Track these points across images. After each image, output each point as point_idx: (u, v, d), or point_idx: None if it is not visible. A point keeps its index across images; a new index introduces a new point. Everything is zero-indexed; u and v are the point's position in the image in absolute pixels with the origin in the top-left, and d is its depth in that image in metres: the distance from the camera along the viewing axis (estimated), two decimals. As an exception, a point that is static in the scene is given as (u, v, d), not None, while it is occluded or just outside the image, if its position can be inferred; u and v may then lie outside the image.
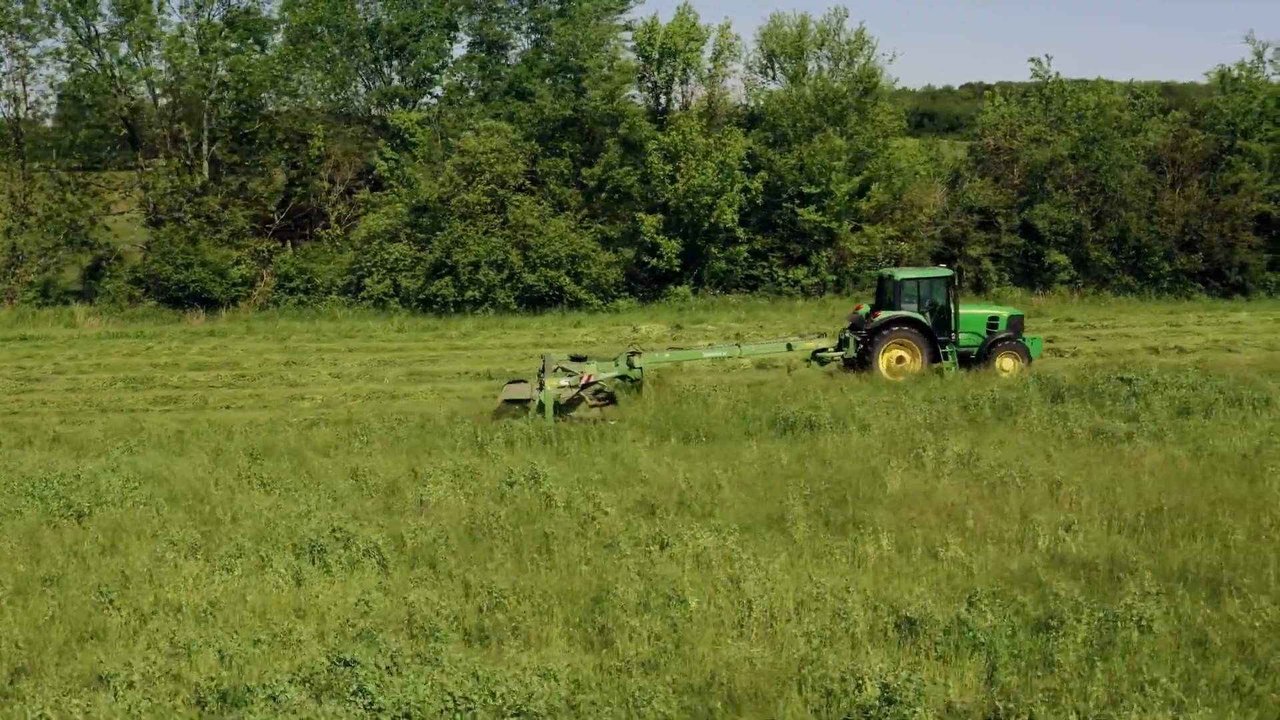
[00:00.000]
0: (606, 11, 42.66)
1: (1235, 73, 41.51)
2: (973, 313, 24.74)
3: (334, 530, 12.62)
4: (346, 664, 9.12)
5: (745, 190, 38.07)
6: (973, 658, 9.31)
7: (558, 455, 16.82)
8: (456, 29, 45.15)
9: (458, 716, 8.12)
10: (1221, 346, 28.29)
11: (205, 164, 41.12)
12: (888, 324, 23.55)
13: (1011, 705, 8.33)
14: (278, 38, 42.73)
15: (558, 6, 43.50)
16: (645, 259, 38.28)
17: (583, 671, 9.19)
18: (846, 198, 38.72)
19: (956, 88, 73.19)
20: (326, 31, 43.35)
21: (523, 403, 20.13)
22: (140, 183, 41.30)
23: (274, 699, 8.52)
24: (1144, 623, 9.90)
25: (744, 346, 24.75)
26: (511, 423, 18.60)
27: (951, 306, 24.02)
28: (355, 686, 8.58)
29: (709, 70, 39.55)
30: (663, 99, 39.68)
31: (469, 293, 37.29)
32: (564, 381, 20.47)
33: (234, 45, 41.65)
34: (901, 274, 24.92)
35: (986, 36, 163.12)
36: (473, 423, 18.80)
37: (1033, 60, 44.89)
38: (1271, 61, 42.18)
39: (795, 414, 18.48)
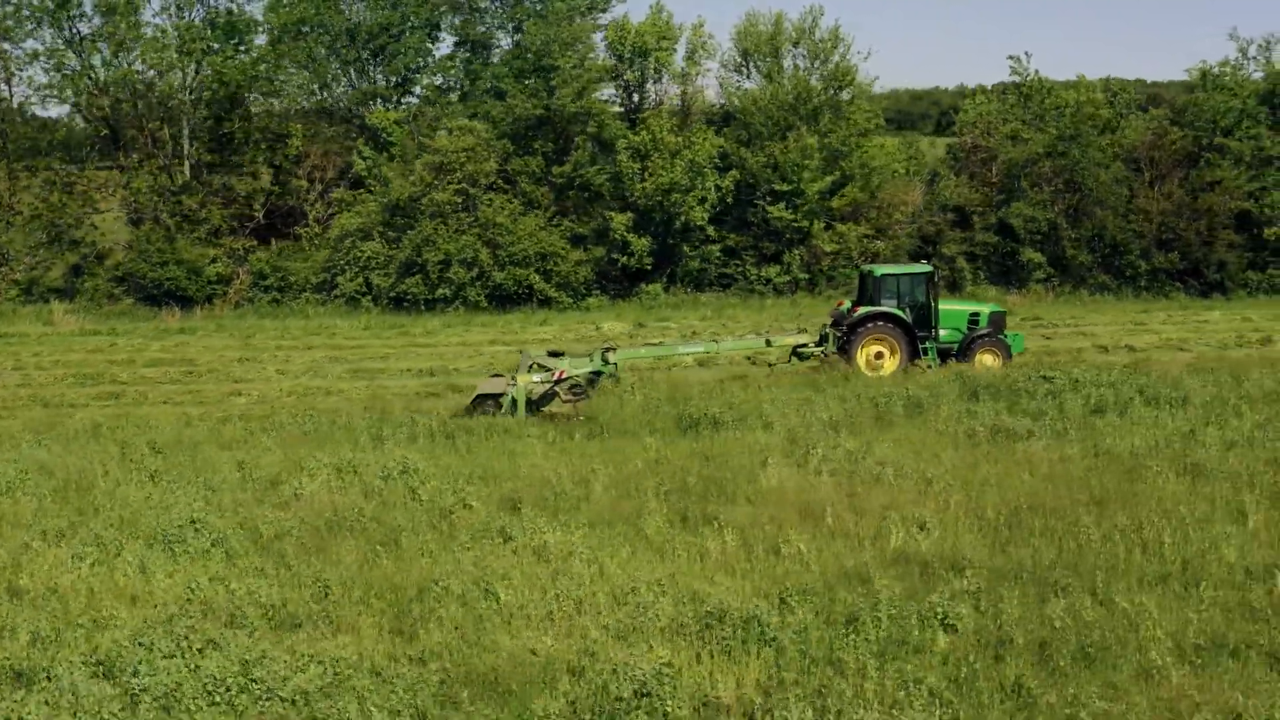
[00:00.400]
0: (589, 10, 42.78)
1: (1215, 69, 41.04)
2: (953, 309, 24.82)
3: (192, 521, 12.78)
4: (145, 647, 9.28)
5: (717, 188, 38.05)
6: (761, 654, 9.30)
7: (454, 450, 16.92)
8: (439, 29, 45.43)
9: (215, 698, 8.23)
10: (1174, 345, 28.03)
11: (186, 164, 41.60)
12: (866, 319, 23.64)
13: (767, 702, 8.31)
14: (260, 38, 43.04)
15: (539, 6, 43.64)
16: (616, 257, 38.35)
17: (374, 659, 9.29)
18: (818, 196, 38.61)
19: (950, 88, 72.61)
20: (309, 30, 43.77)
21: (495, 398, 20.22)
22: (122, 182, 41.78)
23: (49, 679, 8.68)
24: (949, 621, 9.85)
25: (722, 343, 24.78)
26: (415, 418, 18.71)
27: (931, 303, 24.06)
28: (132, 669, 8.72)
29: (682, 69, 39.59)
30: (635, 97, 39.71)
31: (439, 291, 37.51)
32: (536, 378, 20.61)
33: (214, 45, 42.05)
34: (881, 270, 25.07)
35: (982, 36, 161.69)
36: (380, 418, 18.92)
37: (1011, 58, 44.50)
38: (1255, 59, 41.69)
39: (702, 411, 18.47)
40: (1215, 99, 40.40)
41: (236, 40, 42.94)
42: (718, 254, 39.06)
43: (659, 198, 37.35)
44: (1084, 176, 39.35)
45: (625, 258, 38.19)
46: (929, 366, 23.17)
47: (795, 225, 38.57)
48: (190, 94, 41.33)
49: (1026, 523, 12.69)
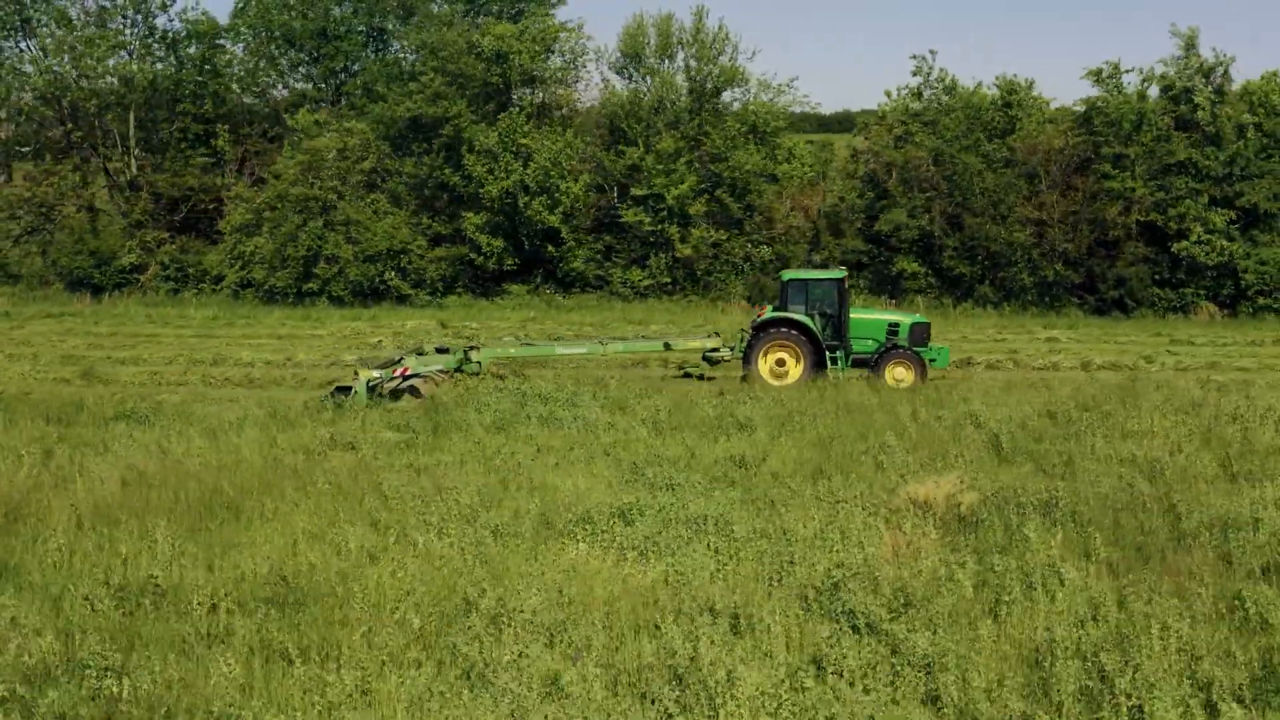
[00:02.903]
0: (544, 12, 43.19)
1: (1108, 71, 37.59)
2: (871, 318, 23.90)
3: None
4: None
5: (568, 192, 37.91)
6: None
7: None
8: (383, 35, 46.90)
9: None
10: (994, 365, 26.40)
11: (132, 160, 44.68)
12: (770, 324, 22.87)
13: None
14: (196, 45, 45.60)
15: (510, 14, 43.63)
16: (471, 257, 38.85)
17: None
18: (677, 201, 37.84)
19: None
20: (249, 34, 46.28)
21: (349, 390, 20.65)
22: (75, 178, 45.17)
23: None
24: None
25: (609, 345, 24.36)
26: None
27: (843, 310, 23.10)
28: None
29: (554, 72, 39.62)
30: (506, 99, 39.91)
31: (306, 285, 39.05)
32: (376, 372, 21.19)
33: (159, 51, 45.06)
34: (789, 275, 24.41)
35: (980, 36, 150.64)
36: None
37: (915, 57, 41.99)
38: (1204, 64, 37.62)
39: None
40: (1115, 103, 37.03)
41: (188, 42, 45.67)
42: (579, 256, 38.88)
43: (508, 199, 37.58)
44: (968, 182, 36.92)
45: (479, 257, 38.60)
46: (836, 377, 22.21)
47: (651, 229, 37.97)
48: (138, 93, 44.23)
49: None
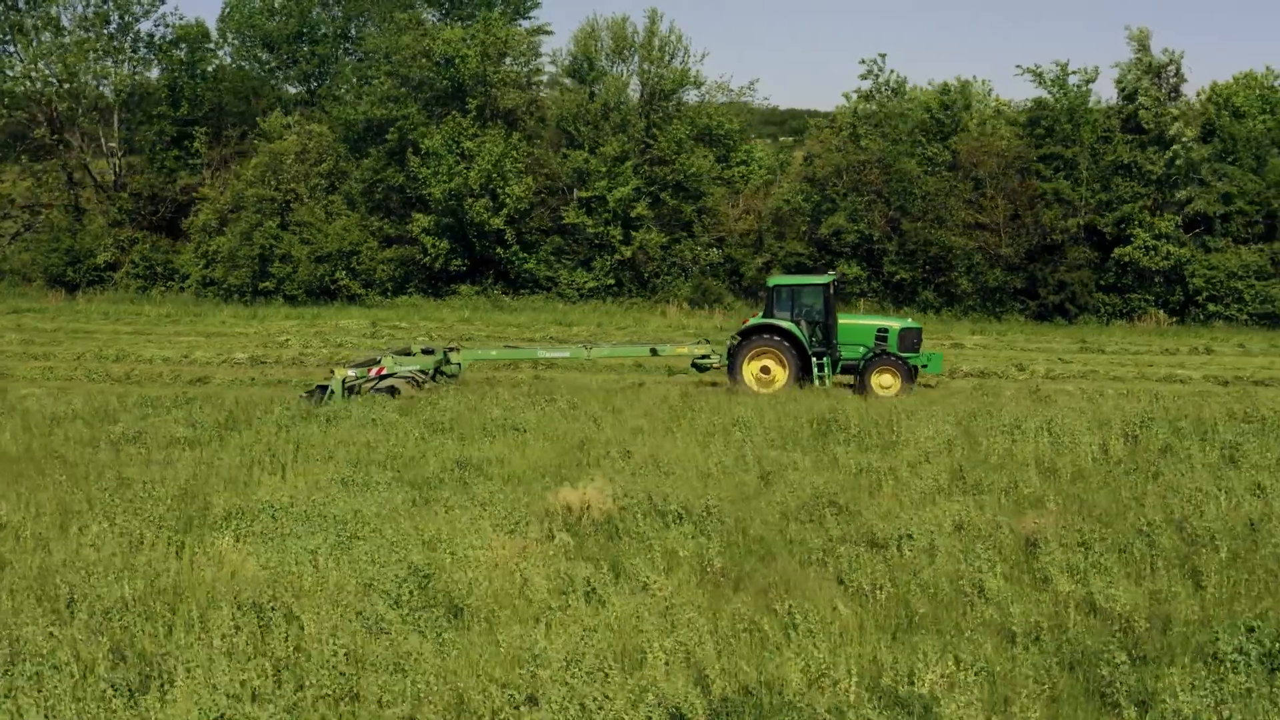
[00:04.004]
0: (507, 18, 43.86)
1: (1055, 72, 36.91)
2: (860, 323, 23.51)
3: None
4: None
5: (511, 194, 38.34)
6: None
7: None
8: (348, 38, 47.97)
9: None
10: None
11: (115, 161, 46.24)
12: (754, 330, 22.40)
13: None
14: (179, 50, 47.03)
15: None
16: (419, 258, 39.51)
17: None
18: (620, 204, 38.08)
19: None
20: (236, 39, 47.59)
21: (326, 388, 20.70)
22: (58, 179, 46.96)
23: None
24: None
25: (594, 349, 23.87)
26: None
27: (830, 316, 22.59)
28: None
29: (503, 75, 40.07)
30: (458, 103, 40.45)
31: (262, 284, 40.09)
32: (351, 372, 21.19)
33: (149, 56, 46.56)
34: (775, 280, 24.07)
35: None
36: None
37: (864, 61, 41.70)
38: (1154, 63, 36.87)
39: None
40: (1059, 103, 36.38)
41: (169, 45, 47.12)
42: (529, 258, 39.32)
43: (452, 202, 38.17)
44: (911, 186, 36.58)
45: (425, 258, 39.25)
46: (822, 383, 21.76)
47: (592, 231, 38.26)
48: (121, 95, 45.78)
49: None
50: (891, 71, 39.41)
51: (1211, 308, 35.60)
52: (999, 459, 14.33)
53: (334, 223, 39.73)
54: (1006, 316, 36.19)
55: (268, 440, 16.34)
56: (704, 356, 23.14)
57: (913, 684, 7.85)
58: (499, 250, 39.60)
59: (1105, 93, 38.40)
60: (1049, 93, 36.79)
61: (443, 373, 22.00)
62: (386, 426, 17.16)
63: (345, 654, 8.29)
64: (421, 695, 7.81)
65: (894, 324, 23.14)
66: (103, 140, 46.09)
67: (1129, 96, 37.09)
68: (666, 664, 8.19)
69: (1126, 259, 35.24)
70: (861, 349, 22.35)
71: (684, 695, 7.56)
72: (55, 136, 45.13)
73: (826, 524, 11.49)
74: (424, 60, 39.37)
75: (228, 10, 49.12)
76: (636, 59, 40.41)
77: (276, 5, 48.39)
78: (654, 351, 23.69)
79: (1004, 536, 10.89)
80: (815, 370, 21.86)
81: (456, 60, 38.54)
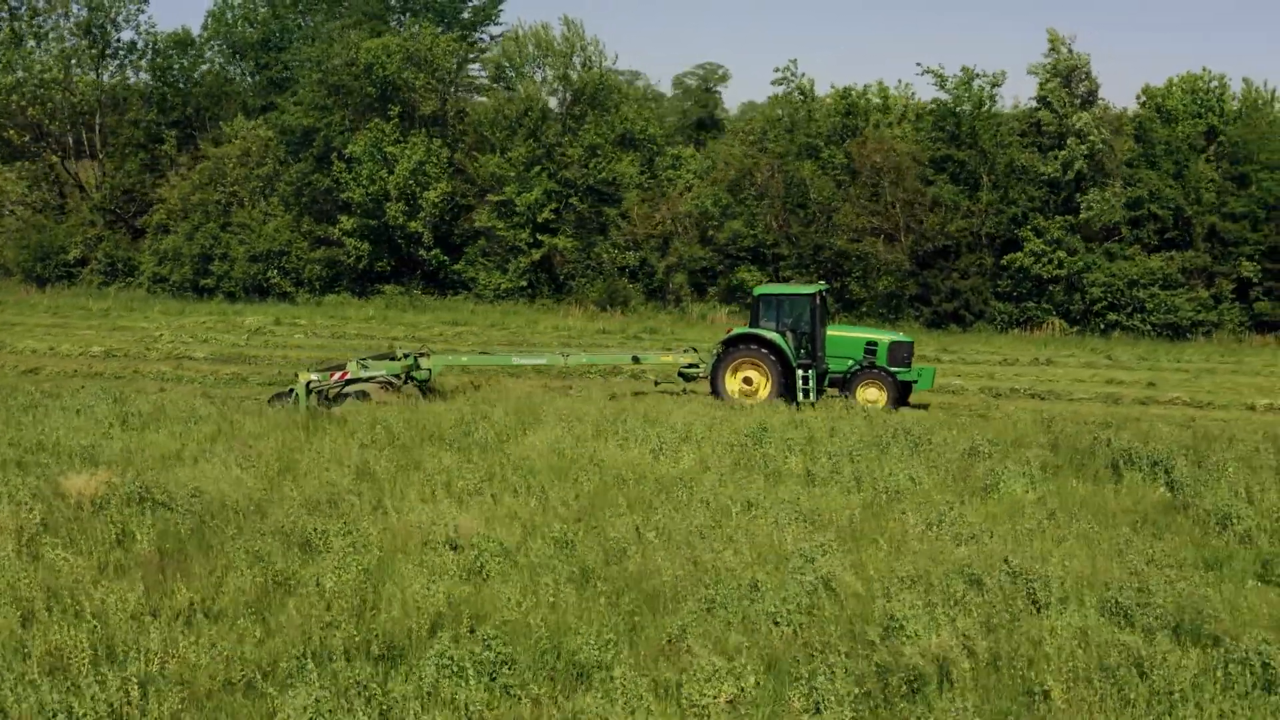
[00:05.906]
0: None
1: (961, 76, 36.50)
2: (849, 336, 22.75)
3: None
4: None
5: (426, 199, 39.60)
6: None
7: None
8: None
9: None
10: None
11: (91, 163, 49.08)
12: (737, 341, 21.82)
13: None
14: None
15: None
16: (342, 259, 41.09)
17: None
18: (529, 208, 39.02)
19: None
20: (219, 46, 50.06)
21: (290, 394, 21.08)
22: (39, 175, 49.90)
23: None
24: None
25: (572, 356, 23.39)
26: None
27: (817, 328, 21.75)
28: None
29: (426, 82, 41.36)
30: (383, 110, 41.84)
31: (204, 281, 42.21)
32: (314, 376, 21.04)
33: (123, 60, 49.32)
34: (760, 289, 23.58)
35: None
36: None
37: (777, 69, 41.75)
38: (1059, 62, 36.23)
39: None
40: (958, 106, 36.01)
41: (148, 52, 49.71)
42: (442, 260, 40.57)
43: (370, 204, 39.66)
44: (803, 191, 36.69)
45: (348, 258, 40.81)
46: (806, 396, 21.08)
47: (502, 234, 39.30)
48: (101, 95, 48.44)
49: None
50: (803, 75, 39.59)
51: (1111, 316, 34.88)
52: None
53: (269, 224, 41.59)
54: (901, 324, 35.97)
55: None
56: (691, 365, 22.46)
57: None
58: (422, 252, 40.93)
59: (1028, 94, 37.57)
60: (949, 94, 36.45)
61: (413, 378, 21.64)
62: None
63: None
64: None
65: (884, 337, 22.46)
66: (85, 143, 48.94)
67: (1043, 98, 36.52)
68: None
69: (1017, 265, 34.74)
70: (850, 362, 21.75)
71: None
72: (40, 142, 48.10)
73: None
74: (350, 69, 40.88)
75: (210, 19, 51.52)
76: (556, 65, 41.23)
77: (259, 17, 50.72)
78: (635, 359, 23.06)
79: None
80: (799, 384, 21.05)
81: (375, 67, 39.96)
